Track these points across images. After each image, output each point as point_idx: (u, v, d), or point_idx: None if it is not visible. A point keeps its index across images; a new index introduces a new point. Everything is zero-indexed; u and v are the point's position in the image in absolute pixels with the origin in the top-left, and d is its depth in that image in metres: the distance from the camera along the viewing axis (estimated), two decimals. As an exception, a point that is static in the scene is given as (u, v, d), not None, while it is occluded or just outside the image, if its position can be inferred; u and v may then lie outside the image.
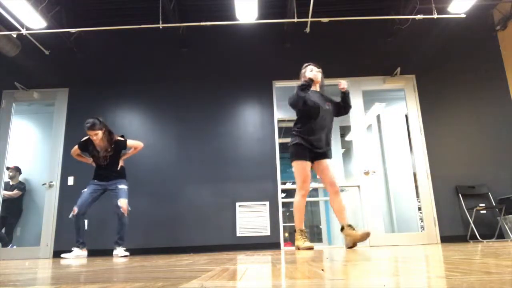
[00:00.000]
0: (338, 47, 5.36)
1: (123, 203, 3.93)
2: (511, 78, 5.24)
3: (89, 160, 4.14)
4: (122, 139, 4.11)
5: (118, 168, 4.10)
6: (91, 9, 5.36)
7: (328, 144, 3.52)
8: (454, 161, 5.00)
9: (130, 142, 4.19)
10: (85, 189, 3.99)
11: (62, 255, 3.79)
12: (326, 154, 3.48)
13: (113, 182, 4.04)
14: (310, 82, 3.45)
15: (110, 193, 4.05)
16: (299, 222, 3.49)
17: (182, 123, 5.23)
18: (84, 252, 3.89)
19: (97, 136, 3.93)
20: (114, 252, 3.92)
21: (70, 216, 3.87)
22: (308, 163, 3.44)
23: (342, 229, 3.38)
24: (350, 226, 3.33)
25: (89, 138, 4.02)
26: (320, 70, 3.63)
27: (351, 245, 3.29)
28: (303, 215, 3.52)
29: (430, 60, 5.39)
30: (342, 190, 7.07)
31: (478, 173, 4.94)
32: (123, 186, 4.03)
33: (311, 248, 3.33)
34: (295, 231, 3.51)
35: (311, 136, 3.40)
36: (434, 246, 3.29)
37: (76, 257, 3.75)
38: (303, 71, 3.69)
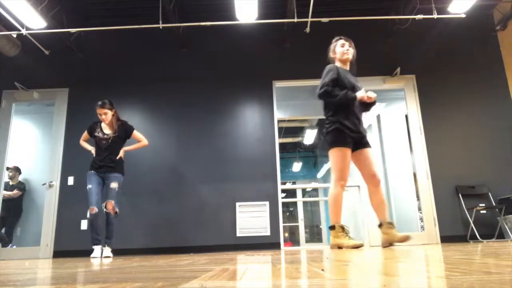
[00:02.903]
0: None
1: (109, 206, 3.84)
2: (511, 78, 5.24)
3: (90, 148, 4.10)
4: (130, 124, 4.21)
5: (117, 158, 4.03)
6: (91, 9, 5.36)
7: (363, 127, 3.22)
8: (454, 161, 5.00)
9: (137, 133, 4.22)
10: (89, 185, 3.92)
11: (92, 255, 3.81)
12: (366, 142, 3.20)
13: (109, 176, 3.96)
14: (353, 100, 3.13)
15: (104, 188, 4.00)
16: (336, 217, 3.13)
17: (182, 123, 5.23)
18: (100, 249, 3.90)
19: (106, 116, 4.01)
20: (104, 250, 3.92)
21: (89, 216, 3.87)
22: (349, 151, 3.13)
23: (380, 225, 3.11)
24: (390, 223, 3.06)
25: (95, 122, 4.12)
26: (352, 45, 3.31)
27: (387, 245, 3.05)
28: (341, 209, 3.17)
29: (430, 60, 5.39)
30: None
31: (478, 173, 4.94)
32: (114, 185, 3.92)
33: (360, 246, 2.98)
34: (331, 227, 3.14)
35: (348, 120, 3.13)
36: (434, 246, 3.29)
37: (95, 257, 3.78)
38: (333, 45, 3.38)
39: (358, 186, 5.08)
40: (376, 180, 3.15)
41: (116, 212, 3.88)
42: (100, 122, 4.11)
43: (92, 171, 3.99)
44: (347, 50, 3.27)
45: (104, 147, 4.01)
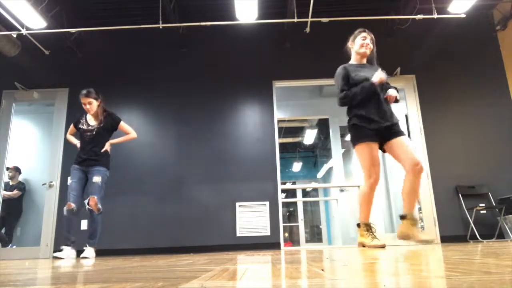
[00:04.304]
0: (338, 47, 5.34)
1: (92, 202, 3.57)
2: (511, 78, 5.24)
3: (75, 141, 3.88)
4: (117, 116, 3.93)
5: (102, 151, 3.77)
6: (91, 9, 5.36)
7: (392, 115, 2.99)
8: (454, 161, 5.00)
9: (124, 125, 3.93)
10: (70, 180, 3.69)
11: (55, 254, 3.49)
12: (396, 131, 2.95)
13: (91, 170, 3.70)
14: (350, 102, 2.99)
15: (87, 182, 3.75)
16: (364, 215, 3.02)
17: (182, 123, 5.23)
18: (74, 252, 3.57)
19: (91, 106, 3.77)
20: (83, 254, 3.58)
21: (65, 213, 3.58)
22: (374, 144, 2.90)
23: (403, 217, 2.92)
24: (414, 220, 2.84)
25: (81, 115, 3.89)
26: (373, 42, 3.16)
27: (402, 239, 2.94)
28: (370, 207, 2.99)
29: (430, 60, 5.38)
30: (342, 191, 7.09)
31: (478, 173, 4.94)
32: (97, 180, 3.64)
33: (382, 247, 2.85)
34: (358, 225, 3.08)
35: (365, 110, 2.91)
36: (434, 246, 3.29)
37: (68, 257, 3.46)
38: (353, 35, 3.21)
39: (358, 186, 5.08)
40: (419, 168, 2.85)
41: (99, 209, 3.60)
42: (86, 114, 3.88)
43: (76, 165, 3.75)
44: (367, 44, 3.12)
45: (88, 139, 3.76)
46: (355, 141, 2.97)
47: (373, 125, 2.91)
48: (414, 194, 2.89)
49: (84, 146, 3.78)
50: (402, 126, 5.81)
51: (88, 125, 3.81)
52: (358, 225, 3.10)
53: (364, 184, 2.98)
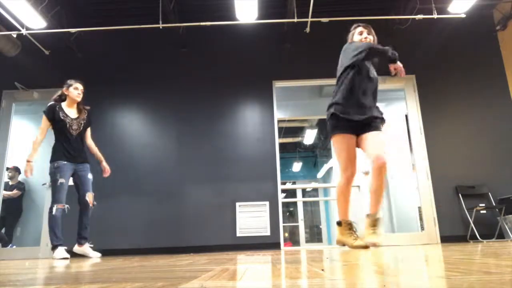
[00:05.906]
0: (338, 47, 5.34)
1: (91, 197, 3.60)
2: (511, 78, 5.24)
3: (32, 160, 3.61)
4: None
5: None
6: (91, 9, 5.36)
7: (372, 108, 2.84)
8: (454, 161, 5.00)
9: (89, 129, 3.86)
10: (62, 180, 3.49)
11: (57, 256, 3.40)
12: (373, 126, 2.81)
13: (82, 167, 3.64)
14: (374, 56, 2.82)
15: (76, 179, 3.64)
16: (342, 212, 2.85)
17: (182, 123, 5.23)
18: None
19: (82, 94, 3.74)
20: (80, 249, 3.57)
21: (56, 213, 3.44)
22: (351, 137, 2.80)
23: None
24: (375, 221, 2.64)
25: (54, 106, 3.64)
26: (372, 32, 3.01)
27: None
28: (348, 203, 2.83)
29: (430, 60, 5.38)
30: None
31: (478, 173, 4.93)
32: (91, 177, 3.68)
33: (366, 247, 2.64)
34: (338, 223, 2.88)
35: (348, 100, 2.77)
36: (434, 246, 3.29)
37: (64, 258, 3.41)
38: (351, 33, 3.10)
39: (358, 186, 5.08)
40: (380, 163, 2.67)
41: (94, 204, 3.66)
42: (59, 104, 3.68)
43: (65, 162, 3.55)
44: (365, 38, 2.98)
45: (75, 134, 3.65)
46: (332, 131, 2.86)
47: (351, 117, 2.78)
48: (378, 192, 2.71)
49: (71, 141, 3.63)
50: (400, 123, 5.85)
51: (72, 118, 3.65)
52: (339, 223, 2.89)
53: (340, 178, 2.85)
